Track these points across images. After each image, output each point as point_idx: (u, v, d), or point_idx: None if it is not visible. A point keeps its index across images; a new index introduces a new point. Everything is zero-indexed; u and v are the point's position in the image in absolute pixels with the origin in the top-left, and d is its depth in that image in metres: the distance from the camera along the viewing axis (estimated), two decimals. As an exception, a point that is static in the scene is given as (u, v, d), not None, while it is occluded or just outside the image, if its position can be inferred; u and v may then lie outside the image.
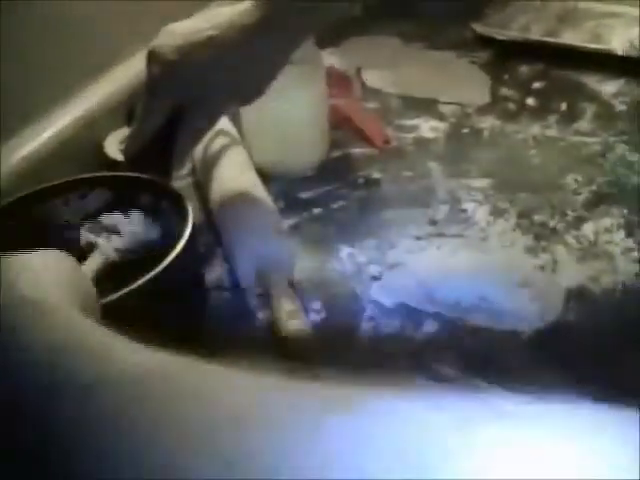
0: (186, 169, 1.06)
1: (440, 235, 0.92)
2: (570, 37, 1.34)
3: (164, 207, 0.81)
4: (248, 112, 1.03)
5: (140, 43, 1.16)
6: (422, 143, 1.11)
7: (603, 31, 1.35)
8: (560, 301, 0.81)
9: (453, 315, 0.80)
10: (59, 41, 1.01)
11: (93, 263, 0.76)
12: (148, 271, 0.70)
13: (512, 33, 1.35)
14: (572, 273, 0.84)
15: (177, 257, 0.72)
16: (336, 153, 1.08)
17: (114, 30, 1.11)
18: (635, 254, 0.86)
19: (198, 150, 1.01)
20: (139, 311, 0.71)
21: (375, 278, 0.86)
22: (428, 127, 1.14)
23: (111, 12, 1.10)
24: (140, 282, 0.69)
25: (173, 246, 0.73)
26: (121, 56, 1.14)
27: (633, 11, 1.38)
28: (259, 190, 0.92)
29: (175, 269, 0.72)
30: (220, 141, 0.99)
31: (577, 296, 0.82)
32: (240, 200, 0.90)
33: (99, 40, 1.08)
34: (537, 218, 0.93)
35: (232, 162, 0.97)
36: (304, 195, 1.00)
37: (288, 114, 1.01)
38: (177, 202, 0.79)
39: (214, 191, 0.94)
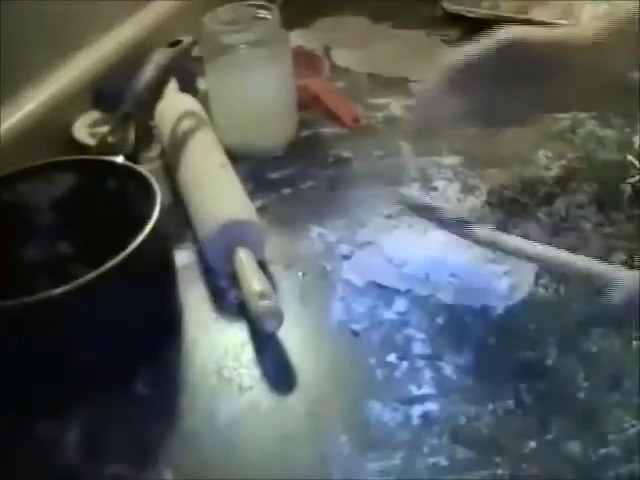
0: (155, 151, 1.05)
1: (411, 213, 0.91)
2: (540, 14, 1.34)
3: (132, 190, 0.81)
4: (215, 93, 1.03)
5: (105, 27, 1.16)
6: (392, 121, 1.10)
7: (573, 7, 1.35)
8: (531, 277, 0.81)
9: (424, 292, 0.80)
10: (24, 25, 1.00)
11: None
12: (117, 254, 0.70)
13: (482, 10, 1.35)
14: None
15: (145, 239, 0.72)
16: (305, 133, 1.08)
17: (79, 14, 1.10)
18: (606, 229, 0.86)
19: (166, 132, 1.00)
20: (109, 294, 0.71)
21: (345, 257, 0.86)
22: (398, 105, 1.13)
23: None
24: (109, 265, 0.69)
25: (141, 228, 0.72)
26: (86, 40, 1.13)
27: (602, -13, 1.38)
28: (227, 171, 0.91)
29: (144, 251, 0.72)
30: (188, 123, 0.99)
31: (548, 272, 0.82)
32: (208, 181, 0.90)
33: (64, 24, 1.08)
34: (507, 194, 0.93)
35: (200, 143, 0.96)
36: (273, 175, 1.00)
37: (255, 95, 1.01)
38: (145, 184, 0.79)
39: (183, 173, 0.93)
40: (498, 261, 0.83)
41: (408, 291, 0.81)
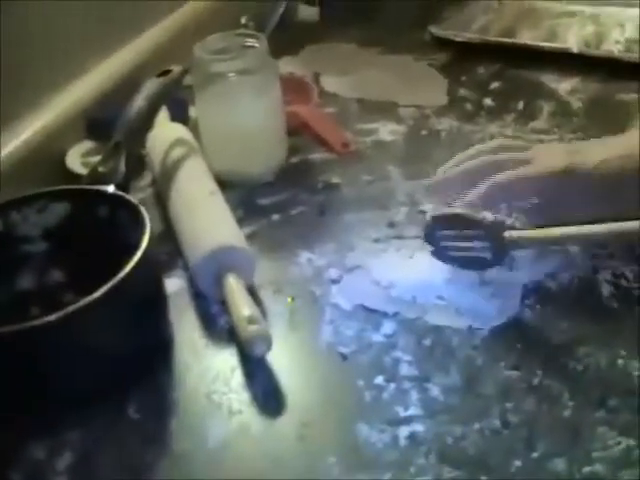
0: (147, 180, 1.06)
1: (399, 237, 0.92)
2: (527, 36, 1.36)
3: (122, 218, 0.82)
4: (205, 121, 1.04)
5: (98, 57, 1.17)
6: (381, 146, 1.11)
7: (559, 30, 1.37)
8: (517, 298, 0.82)
9: (411, 315, 0.81)
10: (18, 55, 1.01)
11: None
12: (108, 281, 0.71)
13: (469, 34, 1.36)
14: (529, 270, 0.85)
15: (135, 267, 0.73)
16: (295, 159, 1.09)
17: (72, 43, 1.11)
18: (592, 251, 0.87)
19: (157, 160, 1.01)
20: (99, 321, 0.72)
21: (334, 281, 0.87)
22: (387, 130, 1.14)
23: (70, 26, 1.11)
24: (99, 293, 0.70)
25: (131, 257, 0.74)
26: (80, 69, 1.14)
27: (588, 10, 1.40)
28: (217, 198, 0.92)
29: (133, 279, 0.73)
30: (178, 151, 1.00)
31: (534, 292, 0.83)
32: (198, 209, 0.91)
33: (58, 53, 1.09)
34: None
35: (190, 172, 0.97)
36: (263, 201, 1.01)
37: (244, 123, 1.02)
38: (135, 213, 0.80)
39: (173, 201, 0.94)
40: (484, 283, 0.84)
41: (396, 314, 0.81)
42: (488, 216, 0.80)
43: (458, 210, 0.82)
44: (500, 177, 0.84)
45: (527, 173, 0.85)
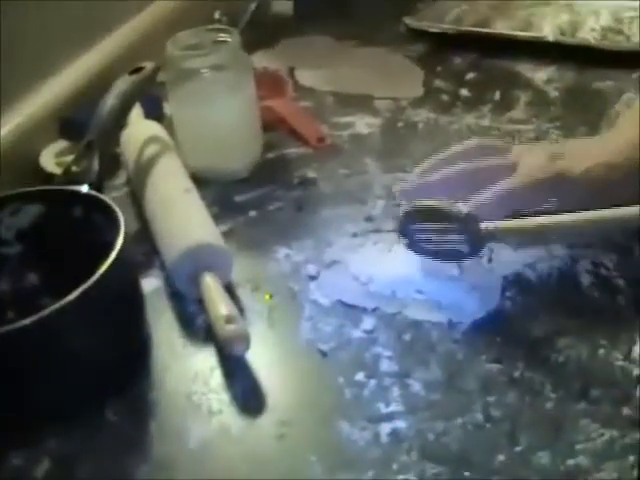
0: (122, 178, 1.05)
1: (377, 231, 0.91)
2: (502, 26, 1.35)
3: (97, 218, 0.81)
4: (179, 118, 1.03)
5: (70, 56, 1.16)
6: (357, 140, 1.11)
7: (534, 19, 1.36)
8: (497, 290, 0.81)
9: (391, 310, 0.81)
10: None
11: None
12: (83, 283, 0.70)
13: (444, 25, 1.35)
14: (508, 261, 0.84)
15: (110, 268, 0.72)
16: (271, 154, 1.08)
17: (43, 42, 1.10)
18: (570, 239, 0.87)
19: (132, 159, 1.00)
20: (75, 324, 0.71)
21: (312, 277, 0.86)
22: (363, 123, 1.14)
23: (41, 26, 1.09)
24: (73, 295, 0.69)
25: (106, 258, 0.73)
26: (53, 69, 1.13)
27: (563, -2, 1.40)
28: (193, 196, 0.91)
29: (108, 280, 0.72)
30: (152, 149, 0.99)
31: (514, 284, 0.82)
32: (173, 207, 0.90)
33: (30, 54, 1.08)
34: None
35: (165, 169, 0.96)
36: (240, 198, 1.00)
37: (218, 118, 1.01)
38: (109, 213, 0.79)
39: (148, 199, 0.93)
40: (464, 276, 0.83)
41: (375, 309, 0.81)
42: (463, 209, 0.79)
43: (432, 203, 0.81)
44: (485, 195, 0.82)
45: (513, 185, 0.83)
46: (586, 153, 0.85)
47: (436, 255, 0.82)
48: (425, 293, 0.82)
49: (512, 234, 0.82)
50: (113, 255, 0.73)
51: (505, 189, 0.83)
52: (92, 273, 0.71)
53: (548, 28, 1.32)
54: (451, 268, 0.84)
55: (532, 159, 0.86)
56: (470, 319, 0.79)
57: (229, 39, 1.01)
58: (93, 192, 0.84)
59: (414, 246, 0.82)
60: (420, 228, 0.81)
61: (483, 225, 0.79)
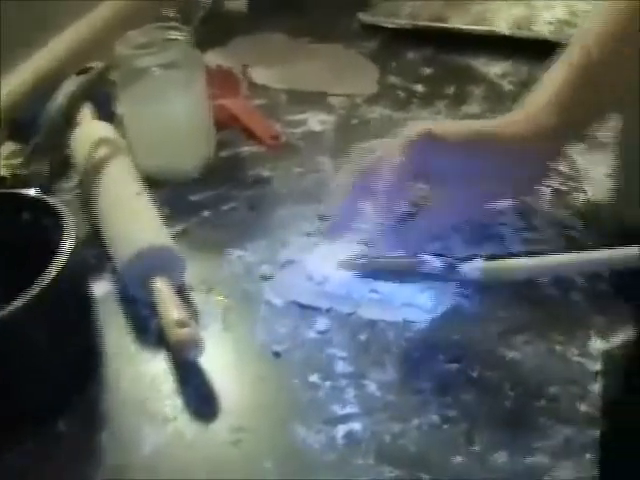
0: (72, 181, 1.04)
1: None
2: (457, 21, 1.34)
3: (46, 222, 0.79)
4: (130, 118, 1.02)
5: (18, 57, 1.14)
6: (311, 137, 1.09)
7: (488, 14, 1.36)
8: (453, 289, 0.81)
9: (345, 310, 0.80)
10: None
11: None
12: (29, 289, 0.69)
13: (399, 20, 1.35)
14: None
15: (59, 274, 0.71)
16: (224, 153, 1.07)
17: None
18: (525, 234, 0.86)
19: (82, 161, 0.98)
20: (22, 331, 0.70)
21: (266, 278, 0.85)
22: (317, 120, 1.12)
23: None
24: (20, 302, 0.68)
25: (55, 262, 0.71)
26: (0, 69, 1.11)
27: (517, -8, 1.40)
28: (143, 198, 0.90)
29: (58, 286, 0.71)
30: (102, 151, 0.97)
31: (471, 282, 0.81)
32: (124, 210, 0.89)
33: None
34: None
35: (115, 172, 0.94)
36: (193, 198, 0.98)
37: (170, 118, 1.00)
38: (58, 216, 0.78)
39: (99, 202, 0.91)
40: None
41: (329, 309, 0.80)
42: (436, 263, 0.77)
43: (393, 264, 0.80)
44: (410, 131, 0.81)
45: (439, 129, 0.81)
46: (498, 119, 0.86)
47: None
48: (380, 292, 0.81)
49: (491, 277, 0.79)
50: (62, 259, 0.72)
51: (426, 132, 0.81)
52: (41, 278, 0.70)
53: (503, 22, 1.32)
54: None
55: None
56: (425, 318, 0.78)
57: (180, 37, 1.00)
58: (42, 195, 0.82)
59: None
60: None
61: (460, 270, 0.77)
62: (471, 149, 0.80)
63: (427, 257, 0.77)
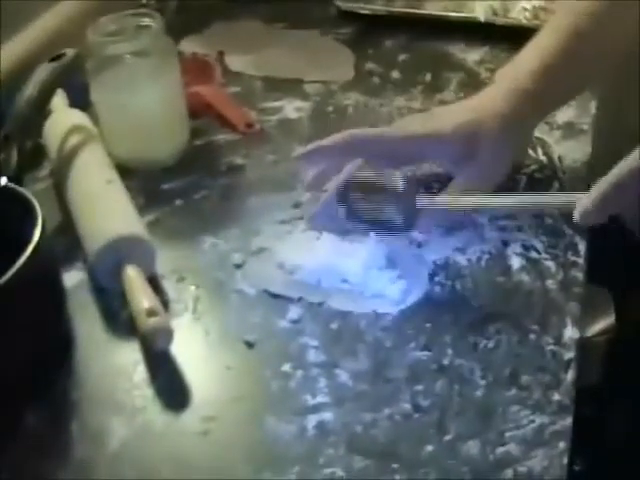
0: (46, 170, 1.03)
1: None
2: (433, 7, 1.33)
3: (15, 212, 0.78)
4: (103, 106, 1.01)
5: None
6: (286, 125, 1.09)
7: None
8: (424, 280, 0.80)
9: (315, 299, 0.79)
10: None
11: None
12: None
13: (375, 7, 1.34)
14: (438, 246, 0.83)
15: (27, 263, 0.70)
16: (198, 141, 1.06)
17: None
18: (501, 222, 0.86)
19: (55, 149, 0.98)
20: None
21: (238, 266, 0.84)
22: (292, 108, 1.12)
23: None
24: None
25: (23, 252, 0.71)
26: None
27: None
28: (115, 187, 0.89)
29: (26, 276, 0.70)
30: (75, 139, 0.96)
31: (443, 269, 0.81)
32: (95, 199, 0.88)
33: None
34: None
35: (87, 160, 0.94)
36: (165, 187, 0.97)
37: (142, 106, 0.99)
38: (27, 206, 0.77)
39: (71, 191, 0.91)
40: (391, 264, 0.82)
41: (300, 299, 0.79)
42: (400, 182, 0.78)
43: (370, 174, 0.80)
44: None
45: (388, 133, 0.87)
46: (455, 112, 0.88)
47: (372, 226, 0.81)
48: (350, 283, 0.80)
49: (445, 210, 0.81)
50: (30, 248, 0.71)
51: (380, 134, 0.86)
52: (9, 268, 0.69)
53: (480, 8, 1.31)
54: (378, 256, 0.82)
55: (404, 122, 0.91)
56: (394, 309, 0.77)
57: (152, 24, 0.99)
58: (11, 185, 0.81)
59: (351, 215, 0.81)
60: (357, 198, 0.80)
61: (418, 201, 0.77)
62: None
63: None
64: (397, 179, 0.78)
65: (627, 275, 1.24)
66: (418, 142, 0.85)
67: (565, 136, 0.99)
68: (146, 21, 0.99)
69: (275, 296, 0.80)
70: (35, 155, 1.01)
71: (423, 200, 0.78)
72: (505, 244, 0.83)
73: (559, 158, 0.95)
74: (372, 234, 0.82)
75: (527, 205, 0.78)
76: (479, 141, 0.84)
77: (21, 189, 0.80)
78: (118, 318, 0.80)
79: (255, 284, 0.82)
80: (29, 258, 0.71)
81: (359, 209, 0.80)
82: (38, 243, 0.72)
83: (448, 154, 0.85)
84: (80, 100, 1.07)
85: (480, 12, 1.29)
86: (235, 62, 1.25)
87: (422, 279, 0.80)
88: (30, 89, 0.93)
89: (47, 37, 1.17)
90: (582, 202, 0.69)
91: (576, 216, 0.69)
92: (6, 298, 0.69)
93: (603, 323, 1.22)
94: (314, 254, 0.84)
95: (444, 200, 0.79)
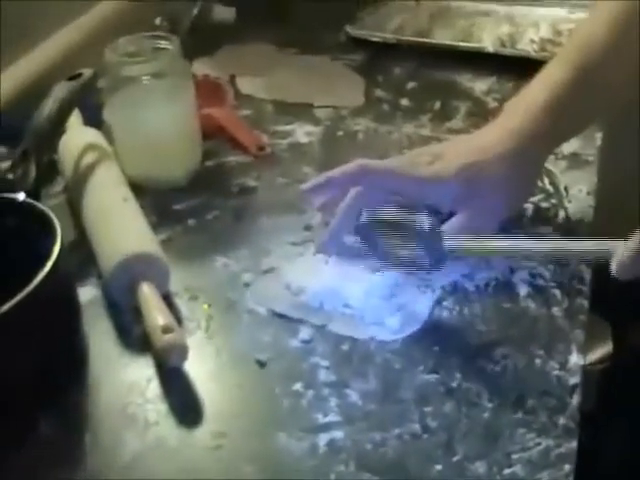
0: (59, 186, 1.04)
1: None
2: (442, 36, 1.36)
3: (33, 227, 0.80)
4: (118, 125, 1.02)
5: (8, 60, 1.14)
6: (297, 148, 1.10)
7: (474, 29, 1.37)
8: (426, 310, 0.81)
9: (316, 322, 0.81)
10: None
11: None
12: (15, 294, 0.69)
13: (385, 35, 1.36)
14: (446, 271, 0.84)
15: (46, 279, 0.71)
16: (210, 163, 1.07)
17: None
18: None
19: (69, 166, 0.99)
20: (8, 335, 0.70)
21: (247, 285, 0.86)
22: (303, 132, 1.13)
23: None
24: (7, 306, 0.68)
25: (42, 267, 0.72)
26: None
27: (502, 9, 1.41)
28: (130, 205, 0.91)
29: (44, 291, 0.71)
30: (90, 156, 0.98)
31: (451, 294, 0.83)
32: (111, 216, 0.89)
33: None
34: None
35: (103, 177, 0.95)
36: (178, 207, 0.99)
37: (157, 127, 1.00)
38: (45, 221, 0.78)
39: (86, 208, 0.92)
40: (393, 294, 0.83)
41: (300, 320, 0.81)
42: (425, 222, 0.79)
43: (394, 213, 0.79)
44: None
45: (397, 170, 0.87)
46: (461, 152, 0.88)
47: (399, 265, 0.82)
48: (352, 308, 0.82)
49: (473, 254, 0.82)
50: (49, 265, 0.72)
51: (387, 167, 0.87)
52: (27, 284, 0.70)
53: (488, 39, 1.33)
54: (382, 286, 0.84)
55: (413, 155, 0.91)
56: (392, 338, 0.78)
57: (169, 46, 1.00)
58: (29, 200, 0.82)
59: (376, 252, 0.82)
60: (381, 235, 0.81)
61: (446, 243, 0.78)
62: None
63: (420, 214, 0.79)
64: (422, 217, 0.78)
65: (631, 308, 1.25)
66: (422, 185, 0.86)
67: (571, 166, 1.01)
68: (163, 43, 1.01)
69: (280, 316, 0.82)
70: (49, 171, 1.02)
71: (451, 242, 0.78)
72: (512, 271, 0.85)
73: (565, 188, 0.97)
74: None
75: (561, 252, 0.78)
76: (481, 183, 0.85)
77: (40, 205, 0.81)
78: (131, 334, 0.81)
79: (261, 302, 0.83)
80: (48, 274, 0.71)
81: (384, 247, 0.81)
82: (57, 259, 0.73)
83: (450, 195, 0.85)
84: (93, 119, 1.09)
85: (488, 42, 1.31)
86: (246, 85, 1.27)
87: (422, 311, 0.81)
88: (49, 106, 0.94)
89: (64, 55, 1.19)
90: (619, 254, 0.69)
91: (613, 269, 0.70)
92: (24, 313, 0.69)
93: (601, 352, 1.24)
94: (320, 277, 0.85)
95: (473, 243, 0.79)
